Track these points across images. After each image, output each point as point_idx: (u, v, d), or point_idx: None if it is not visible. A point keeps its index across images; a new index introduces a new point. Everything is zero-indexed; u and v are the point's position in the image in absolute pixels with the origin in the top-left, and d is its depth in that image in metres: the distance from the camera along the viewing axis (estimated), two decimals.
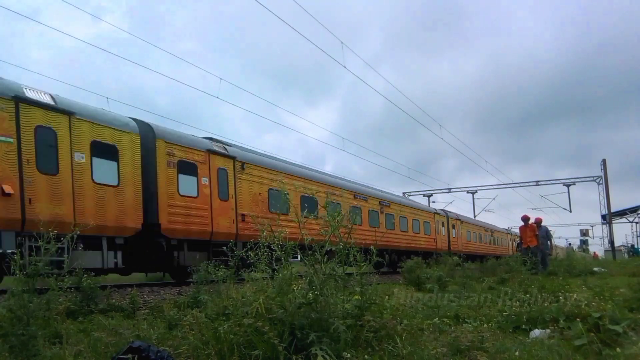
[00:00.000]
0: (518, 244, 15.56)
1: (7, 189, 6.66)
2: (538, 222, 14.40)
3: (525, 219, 14.12)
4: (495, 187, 35.19)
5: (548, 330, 3.76)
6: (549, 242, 14.15)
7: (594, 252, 40.04)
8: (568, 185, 32.39)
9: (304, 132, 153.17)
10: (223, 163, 10.59)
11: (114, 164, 8.33)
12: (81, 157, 7.77)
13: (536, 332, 3.74)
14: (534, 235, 13.58)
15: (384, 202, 18.25)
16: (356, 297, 3.21)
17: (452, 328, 3.89)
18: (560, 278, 8.08)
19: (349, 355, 2.61)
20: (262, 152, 13.34)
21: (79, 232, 3.86)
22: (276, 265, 3.26)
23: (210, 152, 10.29)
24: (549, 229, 16.24)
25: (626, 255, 38.63)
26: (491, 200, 36.40)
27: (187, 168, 9.59)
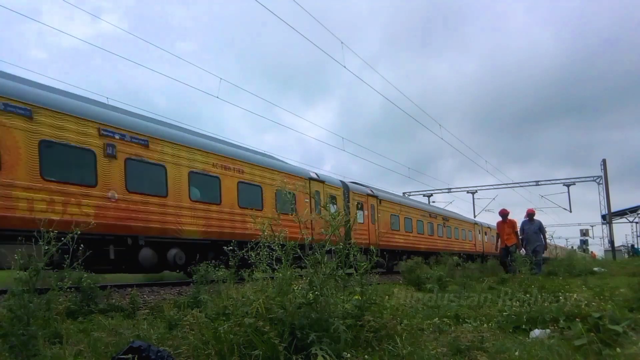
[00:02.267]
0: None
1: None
2: (530, 214, 12.54)
3: (504, 214, 12.36)
4: (495, 187, 35.28)
5: (548, 330, 3.76)
6: (542, 237, 12.21)
7: (592, 252, 40.00)
8: (568, 185, 32.45)
9: (303, 132, 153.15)
10: (374, 201, 17.84)
11: (334, 207, 14.60)
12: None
13: (536, 332, 3.74)
14: (513, 232, 12.01)
15: (445, 218, 25.15)
16: (356, 297, 3.21)
17: (452, 328, 3.88)
18: (560, 278, 8.09)
19: (349, 355, 2.61)
20: (389, 192, 21.25)
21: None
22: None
23: (369, 195, 17.58)
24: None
25: (626, 255, 38.63)
26: (491, 200, 36.50)
27: (360, 206, 16.68)
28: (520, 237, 12.22)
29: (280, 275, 3.02)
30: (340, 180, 16.15)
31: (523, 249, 11.93)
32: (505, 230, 12.17)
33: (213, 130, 50.23)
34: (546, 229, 13.35)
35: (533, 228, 12.16)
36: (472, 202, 36.48)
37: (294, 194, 11.75)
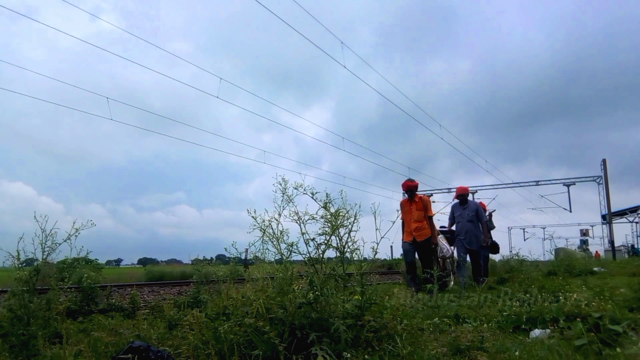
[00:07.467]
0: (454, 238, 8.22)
1: None
2: (461, 194, 7.95)
3: (409, 186, 7.20)
4: (495, 187, 35.21)
5: (548, 330, 3.76)
6: (482, 227, 7.79)
7: (596, 252, 39.94)
8: (568, 185, 32.42)
9: (301, 131, 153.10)
10: None
11: None
12: None
13: (536, 332, 3.74)
14: (426, 219, 7.08)
15: None
16: (356, 297, 3.21)
17: (452, 328, 3.88)
18: (560, 278, 8.09)
19: (349, 355, 2.61)
20: None
21: None
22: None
23: None
24: (483, 205, 9.21)
25: (626, 255, 38.61)
26: (491, 200, 36.39)
27: None
28: (448, 228, 8.28)
29: (281, 275, 3.02)
30: None
31: (453, 247, 8.04)
32: (413, 215, 7.09)
33: (212, 130, 50.12)
34: (487, 218, 9.10)
35: (467, 214, 7.75)
36: None
37: None
